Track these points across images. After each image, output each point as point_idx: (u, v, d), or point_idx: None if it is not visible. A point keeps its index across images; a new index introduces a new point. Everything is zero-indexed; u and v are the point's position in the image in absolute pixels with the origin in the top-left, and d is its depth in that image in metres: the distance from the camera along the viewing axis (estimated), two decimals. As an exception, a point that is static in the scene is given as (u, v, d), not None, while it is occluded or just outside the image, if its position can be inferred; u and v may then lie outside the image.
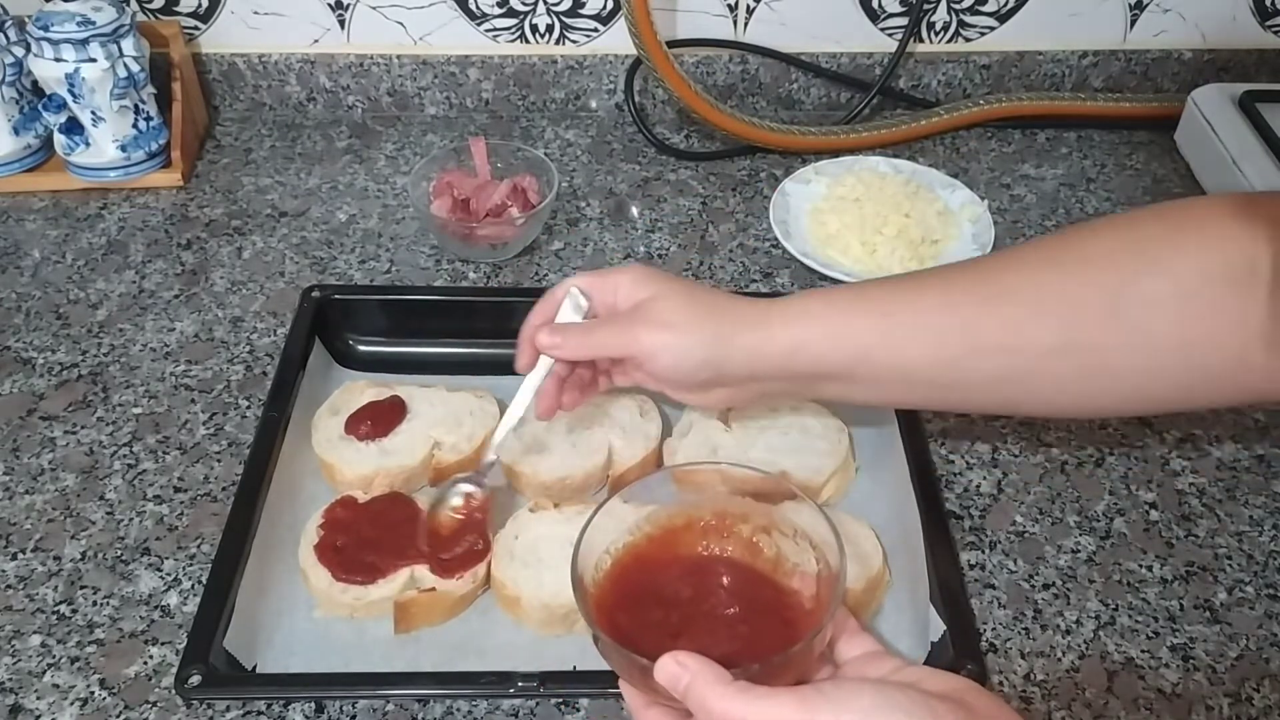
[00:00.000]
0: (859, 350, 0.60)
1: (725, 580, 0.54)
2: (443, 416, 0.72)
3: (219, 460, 0.72)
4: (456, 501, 0.64)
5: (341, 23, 1.02)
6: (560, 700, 0.59)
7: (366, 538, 0.64)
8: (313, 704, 0.59)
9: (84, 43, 0.88)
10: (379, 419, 0.71)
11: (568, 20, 1.03)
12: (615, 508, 0.55)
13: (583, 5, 1.02)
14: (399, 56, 1.03)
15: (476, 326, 0.80)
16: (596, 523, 0.53)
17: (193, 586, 0.65)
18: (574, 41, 1.04)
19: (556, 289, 0.64)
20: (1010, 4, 1.04)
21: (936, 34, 1.06)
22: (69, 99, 0.91)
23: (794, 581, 0.54)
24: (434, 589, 0.63)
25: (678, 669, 0.45)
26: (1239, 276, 0.53)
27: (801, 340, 0.60)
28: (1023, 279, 0.59)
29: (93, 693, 0.60)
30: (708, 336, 0.60)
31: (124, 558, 0.66)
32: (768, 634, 0.51)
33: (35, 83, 0.94)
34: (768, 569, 0.55)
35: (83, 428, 0.74)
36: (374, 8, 1.01)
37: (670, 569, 0.55)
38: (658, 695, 0.48)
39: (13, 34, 0.93)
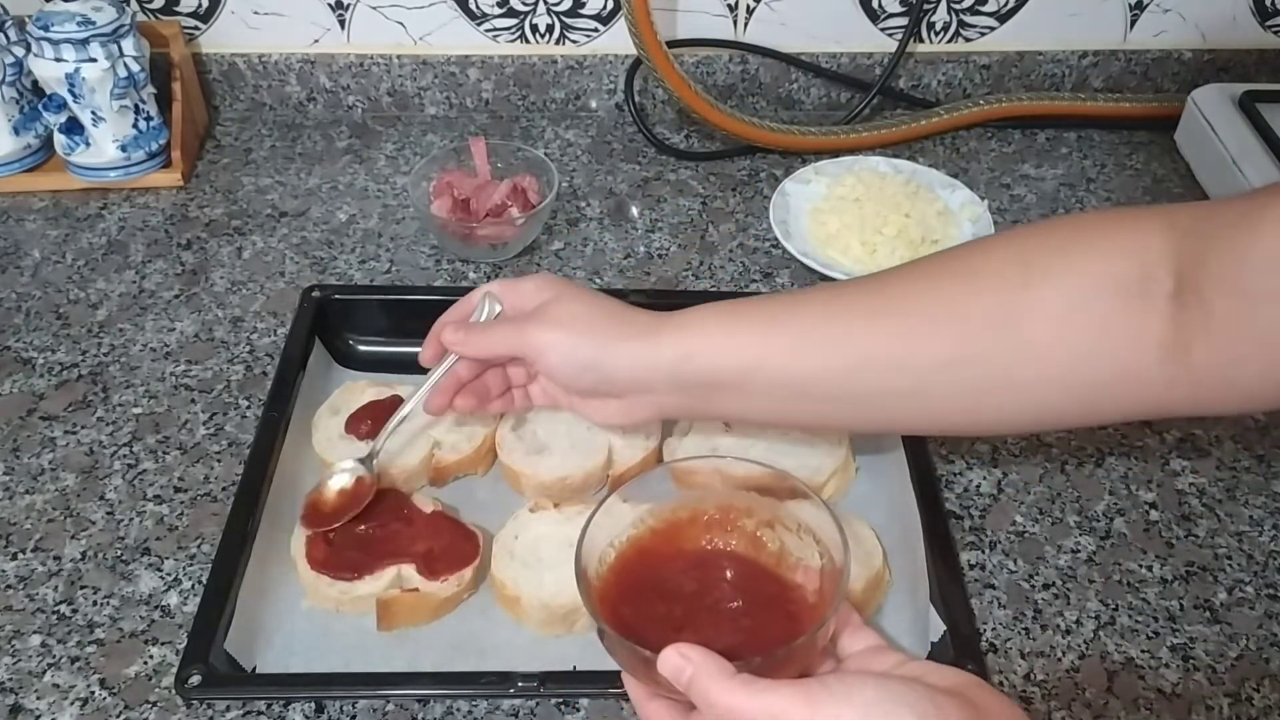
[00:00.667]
0: (750, 360, 0.59)
1: (728, 574, 0.54)
2: (442, 416, 0.72)
3: (219, 460, 0.72)
4: (344, 481, 0.66)
5: (341, 23, 1.02)
6: (560, 700, 0.59)
7: (359, 532, 0.65)
8: (313, 704, 0.59)
9: (84, 43, 0.88)
10: (379, 418, 0.71)
11: (568, 20, 1.03)
12: (617, 504, 0.55)
13: (583, 5, 1.02)
14: (399, 56, 1.03)
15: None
16: (599, 519, 0.54)
17: (193, 586, 0.65)
18: (574, 41, 1.04)
19: (473, 293, 0.67)
20: (1010, 4, 1.04)
21: (936, 34, 1.06)
22: (69, 99, 0.91)
23: (797, 576, 0.54)
24: (417, 589, 0.63)
25: (681, 661, 0.45)
26: (1131, 287, 0.53)
27: (690, 349, 0.60)
28: (913, 291, 0.58)
29: (93, 693, 0.60)
30: (595, 338, 0.61)
31: (124, 558, 0.66)
32: (771, 627, 0.51)
33: (35, 83, 0.94)
34: (771, 563, 0.55)
35: (83, 428, 0.74)
36: (374, 8, 1.01)
37: (674, 562, 0.55)
38: (660, 687, 0.48)
39: (13, 34, 0.93)
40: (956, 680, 0.45)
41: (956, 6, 1.04)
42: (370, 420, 0.70)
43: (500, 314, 0.66)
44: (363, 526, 0.65)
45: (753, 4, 1.03)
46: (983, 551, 0.68)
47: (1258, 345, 0.50)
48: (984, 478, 0.73)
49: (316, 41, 1.03)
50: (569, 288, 0.64)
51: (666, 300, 0.81)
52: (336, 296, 0.80)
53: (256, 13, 1.01)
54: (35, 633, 0.62)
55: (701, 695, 0.45)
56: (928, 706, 0.42)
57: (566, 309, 0.62)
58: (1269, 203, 0.49)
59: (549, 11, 1.02)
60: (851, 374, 0.58)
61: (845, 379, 0.58)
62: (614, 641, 0.49)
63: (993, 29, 1.06)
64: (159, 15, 1.00)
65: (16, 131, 0.94)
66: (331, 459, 0.69)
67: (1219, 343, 0.51)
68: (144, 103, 0.94)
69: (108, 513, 0.69)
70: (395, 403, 0.72)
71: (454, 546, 0.64)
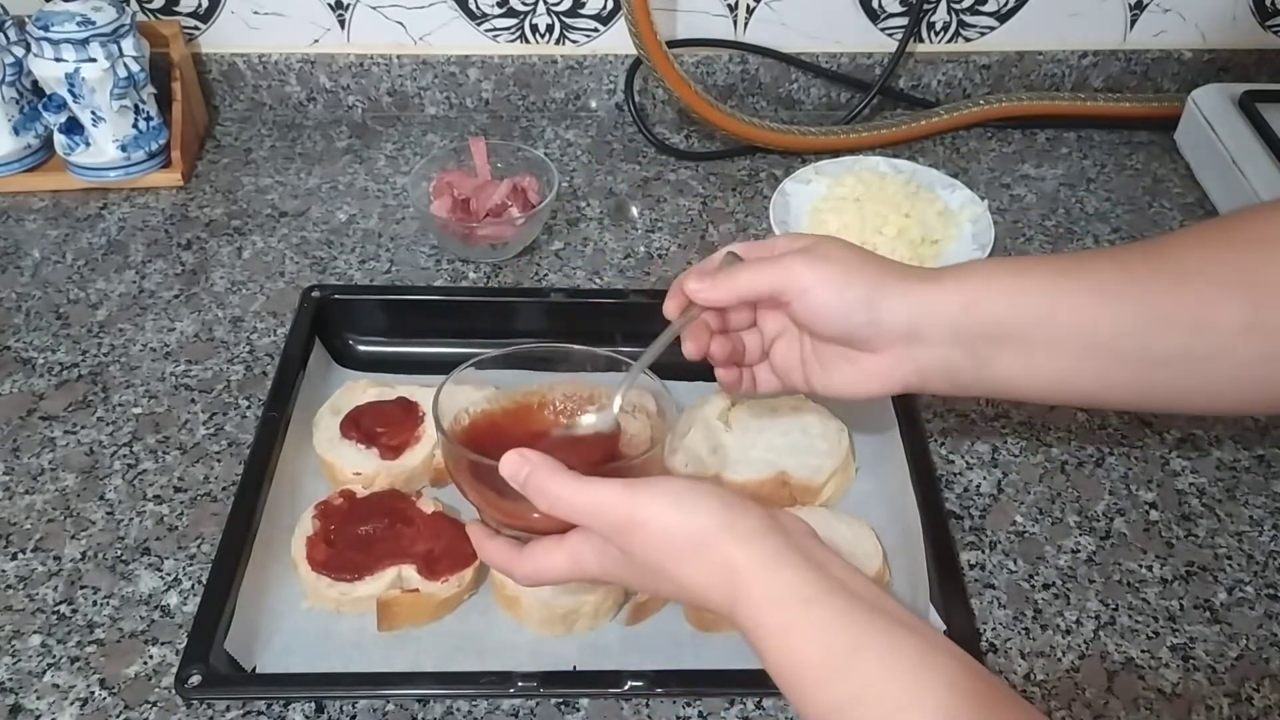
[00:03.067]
0: (1039, 310, 0.56)
1: (571, 445, 0.59)
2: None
3: (219, 460, 0.72)
4: (596, 422, 0.61)
5: (341, 23, 1.02)
6: (560, 700, 0.59)
7: (359, 533, 0.65)
8: (313, 704, 0.59)
9: (84, 43, 0.88)
10: (376, 422, 0.71)
11: (568, 20, 1.03)
12: (470, 376, 0.61)
13: (583, 5, 1.02)
14: (399, 56, 1.03)
15: (476, 326, 0.80)
16: (450, 386, 0.59)
17: (193, 586, 0.65)
18: (574, 41, 1.04)
19: (714, 255, 0.63)
20: (1010, 4, 1.04)
21: (936, 34, 1.06)
22: (69, 99, 0.91)
23: (633, 452, 0.59)
24: (417, 590, 0.63)
25: (519, 460, 0.51)
26: None
27: (978, 295, 0.56)
28: (1202, 256, 0.56)
29: (93, 693, 0.60)
30: (868, 277, 0.57)
31: (124, 558, 0.66)
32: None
33: (35, 83, 0.94)
34: (608, 443, 0.59)
35: (83, 428, 0.74)
36: (374, 8, 1.01)
37: (521, 437, 0.58)
38: (498, 513, 0.55)
39: (13, 34, 0.93)
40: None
41: (956, 6, 1.04)
42: (365, 424, 0.70)
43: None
44: (363, 527, 0.65)
45: (753, 4, 1.03)
46: (983, 551, 0.68)
47: None
48: (984, 478, 0.73)
49: (316, 41, 1.03)
50: (827, 235, 0.61)
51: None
52: (336, 296, 0.81)
53: (256, 13, 1.01)
54: (35, 633, 0.62)
55: (537, 489, 0.50)
56: (731, 498, 0.50)
57: (833, 249, 0.58)
58: None
59: (549, 11, 1.02)
60: (1146, 331, 0.55)
61: (1139, 337, 0.55)
62: (459, 454, 0.54)
63: (993, 29, 1.06)
64: (159, 15, 1.00)
65: (16, 131, 0.94)
66: (332, 459, 0.69)
67: None
68: (144, 103, 0.94)
69: (108, 513, 0.69)
70: (399, 406, 0.72)
71: (454, 547, 0.64)
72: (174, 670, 0.59)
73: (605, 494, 0.50)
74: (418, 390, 0.74)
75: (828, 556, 0.49)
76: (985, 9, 1.04)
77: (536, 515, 0.52)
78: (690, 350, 0.62)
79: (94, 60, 0.89)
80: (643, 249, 0.91)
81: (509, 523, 0.55)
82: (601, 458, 0.58)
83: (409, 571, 0.63)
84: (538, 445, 0.53)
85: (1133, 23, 1.06)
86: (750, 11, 1.03)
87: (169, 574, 0.66)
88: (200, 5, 1.00)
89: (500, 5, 1.01)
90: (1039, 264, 0.59)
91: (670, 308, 0.63)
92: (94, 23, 0.88)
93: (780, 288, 0.58)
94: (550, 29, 1.03)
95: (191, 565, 0.66)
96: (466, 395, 0.61)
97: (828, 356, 0.61)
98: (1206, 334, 0.54)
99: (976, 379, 0.59)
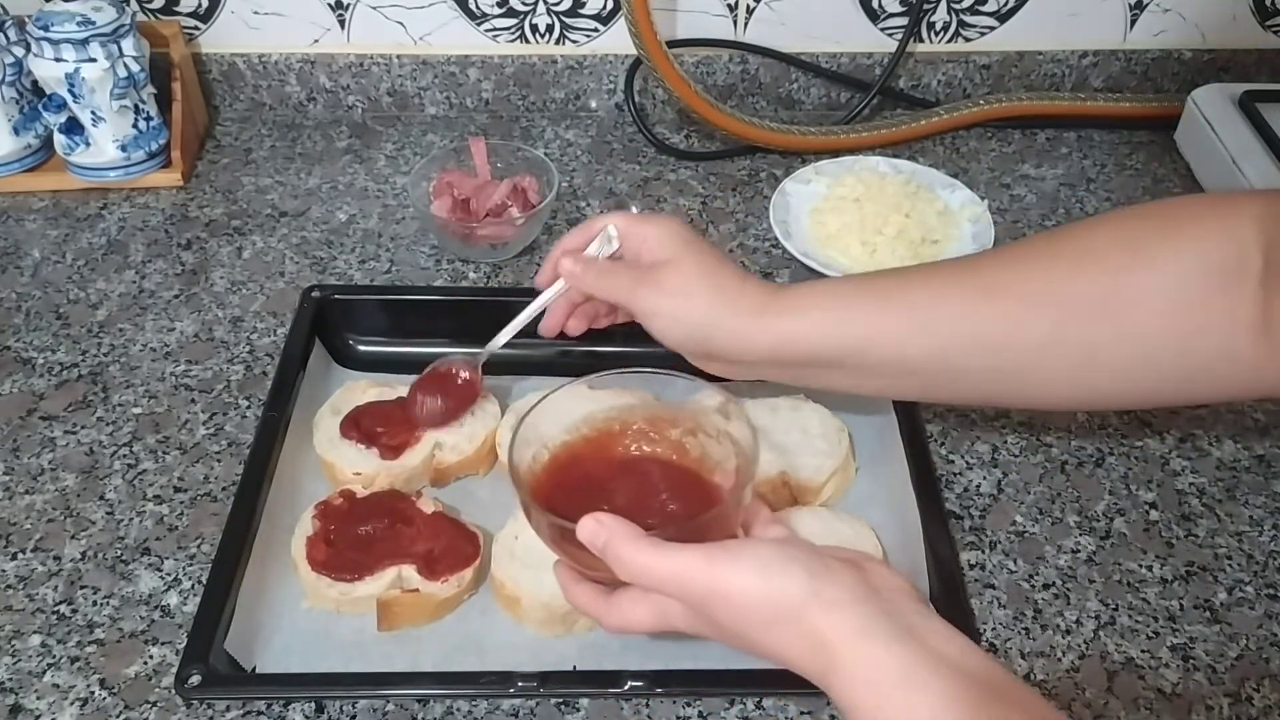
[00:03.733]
0: (854, 340, 0.61)
1: (654, 475, 0.59)
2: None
3: (219, 460, 0.72)
4: (462, 369, 0.71)
5: (341, 23, 1.02)
6: (560, 700, 0.59)
7: (359, 533, 0.65)
8: (313, 704, 0.59)
9: (84, 43, 0.88)
10: (374, 422, 0.71)
11: (568, 20, 1.03)
12: (553, 404, 0.60)
13: (583, 5, 1.02)
14: (399, 56, 1.03)
15: (476, 326, 0.80)
16: (531, 419, 0.58)
17: (193, 586, 0.65)
18: (574, 41, 1.04)
19: (595, 221, 0.67)
20: (1010, 4, 1.04)
21: (936, 34, 1.06)
22: (69, 99, 0.91)
23: (716, 477, 0.59)
24: (418, 590, 0.63)
25: (596, 527, 0.50)
26: (1229, 270, 0.54)
27: (794, 332, 0.62)
28: (1015, 275, 0.60)
29: (93, 693, 0.60)
30: (701, 313, 0.62)
31: (124, 558, 0.66)
32: (690, 517, 0.56)
33: (35, 83, 0.94)
34: (694, 466, 0.60)
35: (83, 428, 0.74)
36: (374, 8, 1.01)
37: (604, 466, 0.60)
38: (586, 566, 0.53)
39: (13, 34, 0.93)
40: (852, 554, 0.50)
41: (956, 6, 1.04)
42: (365, 424, 0.70)
43: (618, 254, 0.67)
44: (363, 527, 0.65)
45: (753, 4, 1.03)
46: (983, 551, 0.68)
47: None
48: (984, 478, 0.73)
49: (316, 41, 1.03)
50: (686, 247, 0.64)
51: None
52: (336, 296, 0.80)
53: (256, 13, 1.01)
54: (35, 633, 0.62)
55: (615, 557, 0.49)
56: (817, 565, 0.47)
57: (679, 276, 0.63)
58: None
59: (549, 11, 1.02)
60: (955, 354, 0.60)
61: (949, 359, 0.60)
62: (539, 516, 0.53)
63: (993, 29, 1.06)
64: (159, 15, 1.00)
65: (16, 131, 0.94)
66: (332, 459, 0.69)
67: None
68: (144, 103, 0.94)
69: (108, 513, 0.69)
70: (399, 406, 0.72)
71: (454, 547, 0.64)
72: (174, 670, 0.59)
73: (686, 564, 0.48)
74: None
75: (924, 621, 0.47)
76: (985, 9, 1.04)
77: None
78: (547, 327, 0.69)
79: (94, 60, 0.89)
80: (643, 249, 0.91)
81: (592, 576, 0.55)
82: (687, 485, 0.58)
83: (409, 571, 0.63)
84: (622, 477, 0.56)
85: (1133, 23, 1.06)
86: (750, 11, 1.03)
87: (169, 574, 0.66)
88: (200, 5, 1.00)
89: (500, 5, 1.01)
90: (860, 292, 0.63)
91: (542, 279, 0.69)
92: (94, 23, 0.88)
93: (630, 309, 0.65)
94: (550, 29, 1.03)
95: (191, 565, 0.66)
96: (542, 430, 0.59)
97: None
98: (1010, 352, 0.59)
99: (809, 385, 0.66)
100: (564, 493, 0.57)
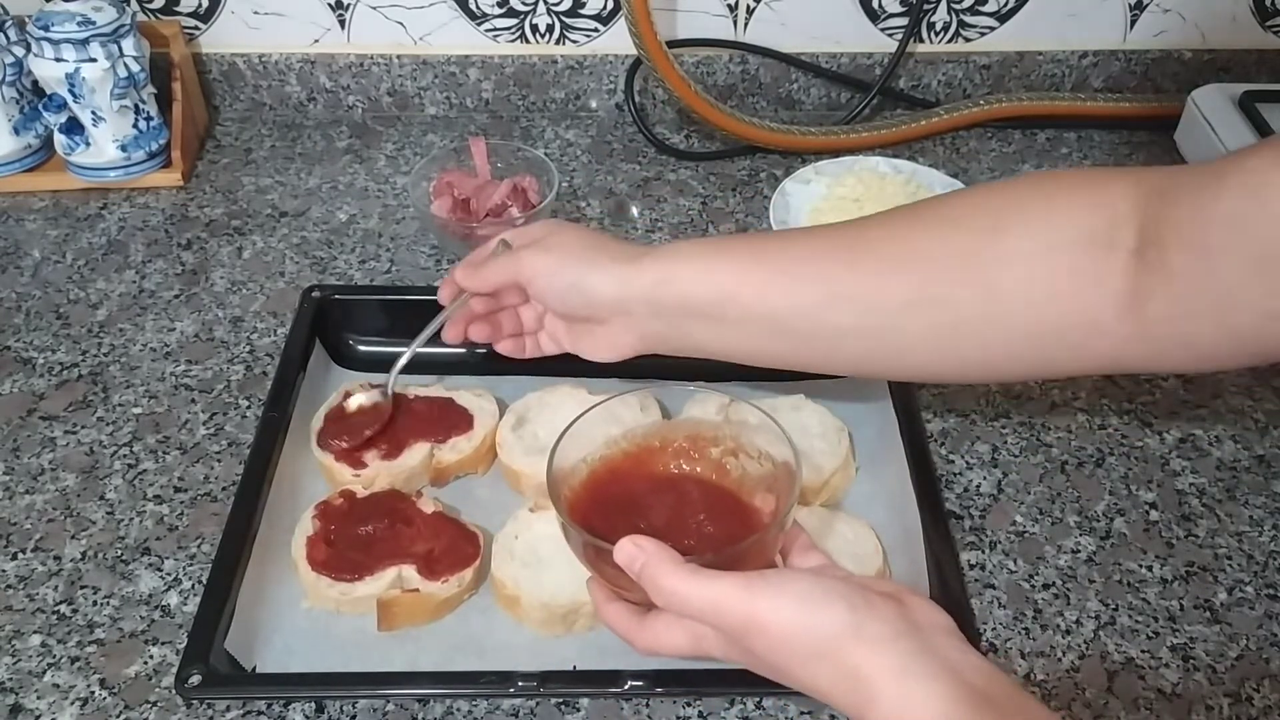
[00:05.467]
0: (724, 289, 0.61)
1: (693, 495, 0.59)
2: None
3: (219, 460, 0.72)
4: (362, 400, 0.72)
5: (341, 23, 1.02)
6: (560, 700, 0.59)
7: (359, 533, 0.65)
8: (313, 704, 0.59)
9: (84, 43, 0.88)
10: (362, 429, 0.71)
11: (568, 20, 1.03)
12: (593, 420, 0.59)
13: (583, 5, 1.02)
14: (399, 56, 1.03)
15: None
16: (575, 430, 0.58)
17: (193, 586, 0.65)
18: (574, 41, 1.04)
19: (489, 242, 0.70)
20: (1010, 4, 1.04)
21: (936, 34, 1.06)
22: (69, 99, 0.91)
23: (756, 500, 0.58)
24: (418, 590, 0.63)
25: (634, 550, 0.49)
26: (1099, 241, 0.54)
27: (668, 274, 0.62)
28: (884, 235, 0.61)
29: (93, 692, 0.60)
30: (580, 262, 0.64)
31: (124, 558, 0.66)
32: (728, 540, 0.55)
33: (35, 83, 0.94)
34: (733, 487, 0.59)
35: (83, 427, 0.74)
36: (374, 8, 1.01)
37: (642, 483, 0.59)
38: (619, 587, 0.53)
39: (13, 34, 0.93)
40: (892, 586, 0.49)
41: (956, 6, 1.04)
42: (346, 434, 0.70)
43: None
44: (363, 528, 0.65)
45: (753, 4, 1.03)
46: (983, 551, 0.68)
47: (1213, 301, 0.50)
48: (984, 478, 0.73)
49: (317, 41, 1.03)
50: (568, 225, 0.68)
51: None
52: (336, 296, 0.80)
53: (256, 13, 1.01)
54: (35, 633, 0.62)
55: (651, 582, 0.48)
56: (858, 599, 0.46)
57: (558, 239, 0.66)
58: (1234, 163, 0.50)
59: (549, 11, 1.02)
60: (821, 310, 0.60)
61: (816, 315, 0.60)
62: (576, 536, 0.52)
63: (993, 29, 1.06)
64: (159, 15, 1.00)
65: (17, 131, 0.94)
66: (331, 461, 0.69)
67: (1176, 298, 0.52)
68: (144, 103, 0.94)
69: (108, 513, 0.69)
70: (374, 410, 0.72)
71: (454, 547, 0.64)
72: (174, 670, 0.59)
73: (724, 592, 0.47)
74: (416, 390, 0.74)
75: (965, 658, 0.45)
76: (985, 9, 1.04)
77: None
78: (449, 335, 0.70)
79: (94, 60, 0.89)
80: (643, 249, 0.91)
81: (626, 596, 0.54)
82: (726, 506, 0.58)
83: (409, 571, 0.63)
84: (660, 495, 0.56)
85: (1133, 23, 1.06)
86: (750, 11, 1.03)
87: (169, 574, 0.66)
88: (200, 5, 1.00)
89: (500, 5, 1.01)
90: (734, 246, 0.64)
91: (443, 294, 0.71)
92: (94, 23, 0.89)
93: (515, 278, 0.66)
94: (550, 29, 1.03)
95: (191, 565, 0.66)
96: (582, 444, 0.59)
97: (575, 327, 0.68)
98: (875, 311, 0.59)
99: (684, 346, 0.65)
100: (601, 509, 0.57)
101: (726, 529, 0.56)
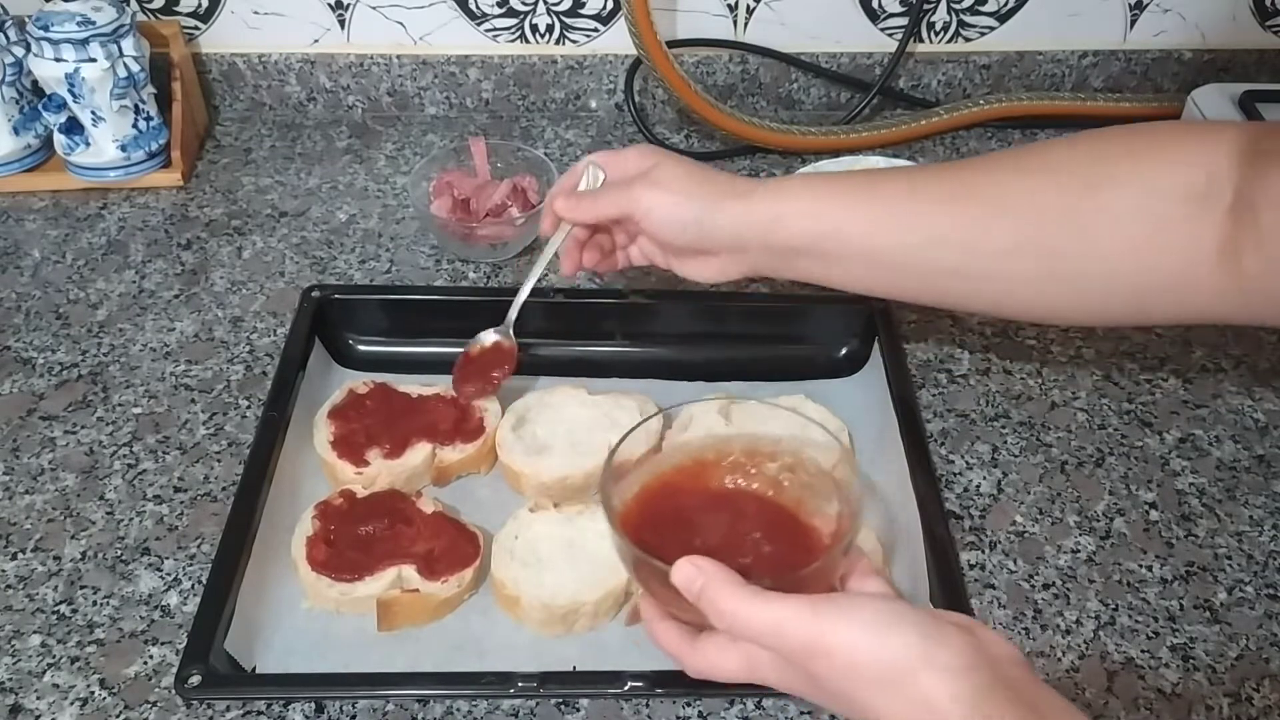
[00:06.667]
0: (830, 226, 0.64)
1: (748, 512, 0.56)
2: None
3: (219, 460, 0.72)
4: (487, 341, 0.74)
5: (341, 23, 1.02)
6: (560, 700, 0.59)
7: (359, 533, 0.64)
8: (312, 704, 0.59)
9: (84, 43, 0.88)
10: (365, 423, 0.71)
11: (568, 20, 1.03)
12: (649, 429, 0.59)
13: (583, 5, 1.02)
14: (399, 56, 1.03)
15: (476, 326, 0.80)
16: (624, 447, 0.56)
17: (193, 586, 0.65)
18: (574, 41, 1.04)
19: (578, 165, 0.73)
20: (1010, 4, 1.04)
21: (936, 34, 1.06)
22: (69, 99, 0.91)
23: (815, 520, 0.56)
24: (418, 590, 0.63)
25: (693, 571, 0.47)
26: (1196, 195, 0.55)
27: (781, 213, 0.65)
28: (987, 180, 0.62)
29: (93, 693, 0.60)
30: (697, 198, 0.66)
31: (124, 558, 0.66)
32: (785, 562, 0.53)
33: (35, 82, 0.94)
34: (790, 505, 0.56)
35: (83, 427, 0.74)
36: (374, 8, 1.01)
37: (697, 498, 0.57)
38: (673, 607, 0.50)
39: (13, 34, 0.93)
40: (962, 618, 0.47)
41: (956, 6, 1.04)
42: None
43: (604, 182, 0.72)
44: (363, 528, 0.65)
45: (752, 4, 1.03)
46: (983, 551, 0.68)
47: None
48: (984, 478, 0.73)
49: (316, 41, 1.03)
50: (667, 155, 0.69)
51: (667, 300, 0.82)
52: (336, 296, 0.80)
53: (256, 12, 1.01)
54: (35, 633, 0.62)
55: (711, 604, 0.46)
56: (930, 626, 0.44)
57: (669, 172, 0.67)
58: None
59: (549, 11, 1.02)
60: (923, 250, 0.63)
61: (917, 254, 0.63)
62: (629, 553, 0.50)
63: (993, 29, 1.06)
64: (159, 15, 1.00)
65: (16, 131, 0.94)
66: (332, 459, 0.69)
67: (1267, 255, 0.54)
68: (144, 103, 0.94)
69: (107, 513, 0.69)
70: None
71: (455, 547, 0.64)
72: (174, 670, 0.59)
73: (788, 614, 0.45)
74: (417, 390, 0.74)
75: (1040, 691, 0.44)
76: (985, 9, 1.04)
77: None
78: (567, 269, 0.73)
79: (94, 60, 0.89)
80: (643, 249, 0.91)
81: (680, 617, 0.51)
82: (783, 525, 0.55)
83: (409, 571, 0.63)
84: (715, 511, 0.55)
85: (1133, 23, 1.06)
86: (750, 11, 1.03)
87: (169, 574, 0.66)
88: (200, 5, 1.00)
89: (500, 5, 1.01)
90: (842, 185, 0.66)
91: (545, 228, 0.74)
92: (94, 23, 0.88)
93: (628, 212, 0.68)
94: (550, 29, 1.03)
95: (191, 565, 0.66)
96: (634, 459, 0.57)
97: (681, 253, 0.70)
98: (976, 254, 0.61)
99: (789, 275, 0.69)
100: (654, 525, 0.54)
101: (783, 548, 0.54)
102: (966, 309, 0.70)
